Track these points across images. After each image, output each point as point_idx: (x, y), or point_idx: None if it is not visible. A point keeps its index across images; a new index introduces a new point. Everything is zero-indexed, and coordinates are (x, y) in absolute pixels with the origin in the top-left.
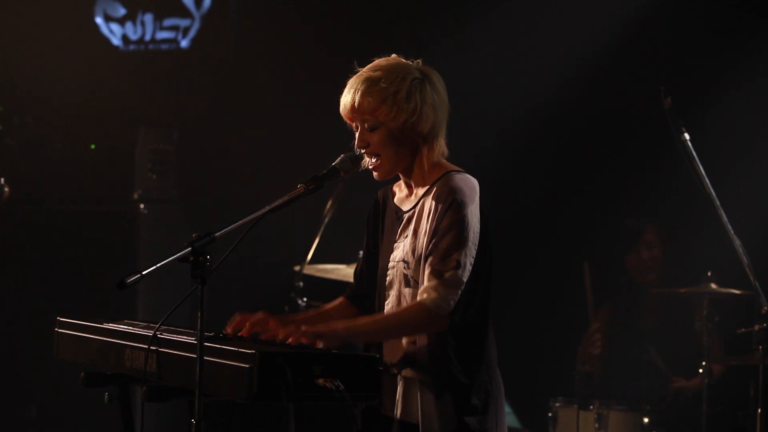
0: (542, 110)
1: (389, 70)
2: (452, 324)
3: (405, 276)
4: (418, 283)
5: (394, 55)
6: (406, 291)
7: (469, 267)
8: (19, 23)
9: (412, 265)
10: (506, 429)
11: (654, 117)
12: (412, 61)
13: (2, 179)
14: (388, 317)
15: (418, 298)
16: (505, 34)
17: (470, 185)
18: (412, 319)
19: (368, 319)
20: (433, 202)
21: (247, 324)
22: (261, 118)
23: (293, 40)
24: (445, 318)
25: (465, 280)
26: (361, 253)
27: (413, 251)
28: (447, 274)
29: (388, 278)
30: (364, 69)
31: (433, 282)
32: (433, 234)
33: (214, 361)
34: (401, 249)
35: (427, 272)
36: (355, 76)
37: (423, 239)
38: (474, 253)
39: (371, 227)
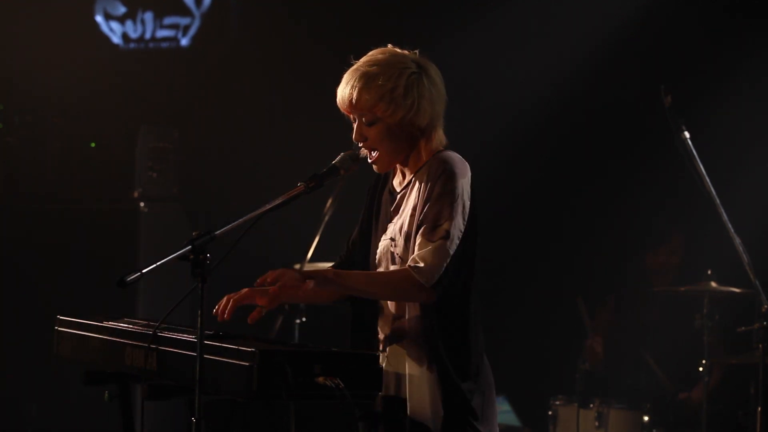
0: (542, 109)
1: (386, 65)
2: (437, 299)
3: (391, 253)
4: (403, 260)
5: (389, 46)
6: (393, 268)
7: (457, 239)
8: (20, 22)
9: (398, 243)
10: (496, 414)
11: (654, 115)
12: (408, 52)
13: None
14: (377, 276)
15: (408, 264)
16: (505, 33)
17: (462, 161)
18: (397, 283)
19: (358, 273)
20: (425, 176)
21: (232, 301)
22: (261, 116)
23: (293, 38)
24: (429, 289)
25: (452, 252)
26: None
27: (400, 229)
28: (435, 244)
29: (377, 256)
30: (361, 62)
31: (422, 251)
32: (425, 202)
33: (214, 359)
34: (390, 228)
35: (417, 241)
36: (351, 70)
37: (409, 216)
38: (462, 226)
39: (368, 201)
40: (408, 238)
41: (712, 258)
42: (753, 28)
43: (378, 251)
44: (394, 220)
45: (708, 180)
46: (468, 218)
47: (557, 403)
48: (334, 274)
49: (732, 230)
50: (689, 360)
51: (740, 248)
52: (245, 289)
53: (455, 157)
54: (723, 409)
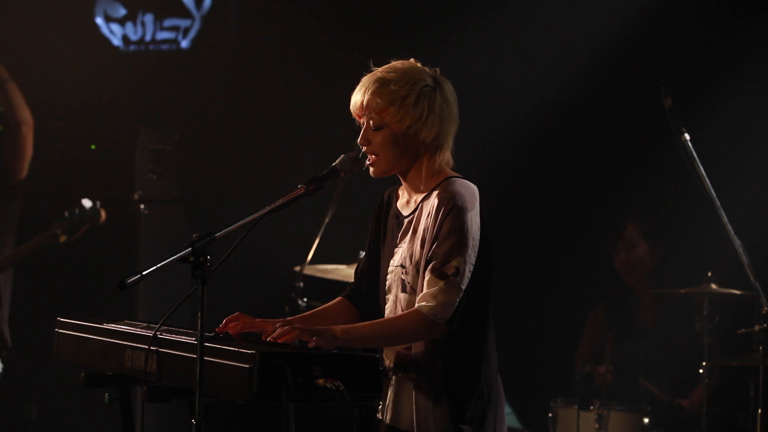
0: (542, 110)
1: (403, 74)
2: (450, 331)
3: (402, 281)
4: (414, 289)
5: (411, 60)
6: (402, 296)
7: (467, 274)
8: (20, 23)
9: (409, 270)
10: (505, 429)
11: (654, 117)
12: (429, 69)
13: (98, 202)
14: (386, 323)
15: (416, 305)
16: (504, 35)
17: (470, 191)
18: (409, 326)
19: (366, 325)
20: (433, 207)
21: (240, 325)
22: (261, 118)
23: (293, 40)
24: (443, 326)
25: (463, 287)
26: (362, 253)
27: (411, 256)
28: (445, 282)
29: (387, 282)
30: (380, 69)
31: (432, 289)
32: (434, 239)
33: (215, 361)
34: (400, 254)
35: (426, 278)
36: (368, 75)
37: (420, 244)
38: (473, 260)
39: (374, 227)
40: (419, 267)
41: (712, 260)
42: (753, 28)
43: (388, 277)
44: (402, 245)
45: (708, 181)
46: (479, 248)
47: (557, 405)
48: (341, 332)
49: (732, 232)
50: (689, 362)
51: (740, 250)
52: (258, 321)
53: (463, 189)
54: (723, 411)
